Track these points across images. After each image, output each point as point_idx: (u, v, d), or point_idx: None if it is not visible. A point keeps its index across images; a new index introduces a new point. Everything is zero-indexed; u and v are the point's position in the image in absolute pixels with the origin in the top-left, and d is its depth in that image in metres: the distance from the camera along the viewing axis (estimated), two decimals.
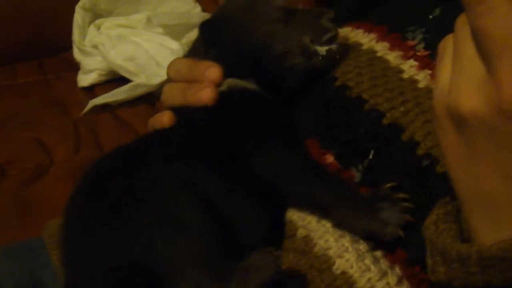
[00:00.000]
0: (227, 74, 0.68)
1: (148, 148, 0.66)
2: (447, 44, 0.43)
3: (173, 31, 1.55)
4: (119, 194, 0.59)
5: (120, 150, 0.67)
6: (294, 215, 0.62)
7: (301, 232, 0.61)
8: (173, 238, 0.54)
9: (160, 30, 1.56)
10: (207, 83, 0.67)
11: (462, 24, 0.40)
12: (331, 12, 0.69)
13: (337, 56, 0.69)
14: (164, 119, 0.67)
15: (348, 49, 0.71)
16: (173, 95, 0.71)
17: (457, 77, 0.41)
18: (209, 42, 0.71)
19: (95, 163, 0.66)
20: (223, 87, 0.68)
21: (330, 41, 0.69)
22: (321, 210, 0.60)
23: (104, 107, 1.48)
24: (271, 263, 0.53)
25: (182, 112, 0.68)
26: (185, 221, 0.56)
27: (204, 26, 0.72)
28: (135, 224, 0.56)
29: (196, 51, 0.73)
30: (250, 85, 0.69)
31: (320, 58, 0.68)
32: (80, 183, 0.63)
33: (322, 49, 0.68)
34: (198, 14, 1.65)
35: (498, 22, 0.36)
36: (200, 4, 1.71)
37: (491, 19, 0.36)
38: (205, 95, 0.66)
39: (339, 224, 0.60)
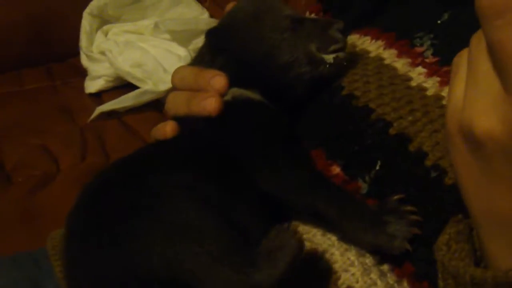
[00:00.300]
0: (232, 83, 0.67)
1: (151, 160, 0.64)
2: (461, 59, 0.42)
3: (181, 37, 1.54)
4: (122, 206, 0.57)
5: (122, 161, 0.66)
6: (299, 228, 0.61)
7: (306, 245, 0.59)
8: (185, 243, 0.53)
9: (167, 36, 1.56)
10: (212, 92, 0.66)
11: (477, 40, 0.39)
12: (340, 23, 0.68)
13: (344, 63, 0.68)
14: (167, 129, 0.66)
15: (355, 57, 0.69)
16: (177, 104, 0.70)
17: (471, 94, 0.39)
18: (216, 50, 0.70)
19: (96, 175, 0.65)
20: (228, 97, 0.67)
21: (337, 51, 0.68)
22: (326, 224, 0.59)
23: (111, 113, 1.48)
24: (293, 239, 0.51)
25: (185, 122, 0.67)
26: (193, 225, 0.54)
27: (210, 34, 0.71)
28: (141, 235, 0.54)
29: (202, 59, 0.72)
30: (255, 95, 0.68)
31: (327, 66, 0.67)
32: (82, 194, 0.62)
33: (329, 57, 0.67)
34: (205, 20, 1.65)
35: None
36: (208, 10, 1.71)
37: (509, 33, 0.34)
38: (210, 104, 0.65)
39: (345, 237, 0.58)
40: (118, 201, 0.58)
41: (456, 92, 0.41)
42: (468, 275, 0.42)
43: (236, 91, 0.67)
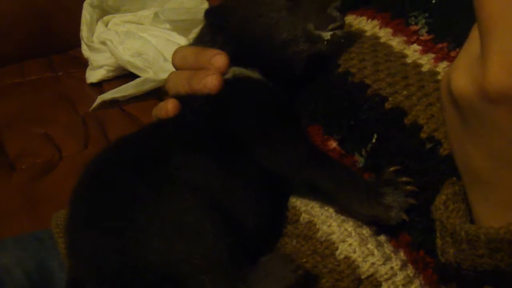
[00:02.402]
0: (232, 62, 0.68)
1: (154, 140, 0.65)
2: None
3: (180, 27, 1.55)
4: (126, 192, 0.58)
5: (126, 140, 0.66)
6: (297, 201, 0.62)
7: (304, 217, 0.60)
8: (182, 243, 0.54)
9: (167, 25, 1.57)
10: (213, 70, 0.67)
11: None
12: (337, 0, 0.69)
13: (342, 41, 0.68)
14: (169, 106, 0.67)
15: (351, 36, 0.70)
16: (178, 83, 0.70)
17: (459, 55, 0.41)
18: (215, 29, 0.71)
19: (100, 152, 0.65)
20: (228, 75, 0.68)
21: (336, 29, 0.68)
22: (324, 197, 0.60)
23: (112, 102, 1.49)
24: (293, 273, 0.52)
25: (186, 100, 0.68)
26: (193, 226, 0.55)
27: (209, 13, 0.72)
28: (141, 227, 0.55)
29: (202, 39, 0.73)
30: (254, 74, 0.69)
31: (325, 43, 0.67)
32: (86, 173, 0.63)
33: (326, 34, 0.68)
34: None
35: None
36: None
37: None
38: (210, 82, 0.66)
39: (342, 210, 0.59)
40: (122, 186, 0.58)
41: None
42: (463, 232, 0.43)
43: (236, 70, 0.68)
